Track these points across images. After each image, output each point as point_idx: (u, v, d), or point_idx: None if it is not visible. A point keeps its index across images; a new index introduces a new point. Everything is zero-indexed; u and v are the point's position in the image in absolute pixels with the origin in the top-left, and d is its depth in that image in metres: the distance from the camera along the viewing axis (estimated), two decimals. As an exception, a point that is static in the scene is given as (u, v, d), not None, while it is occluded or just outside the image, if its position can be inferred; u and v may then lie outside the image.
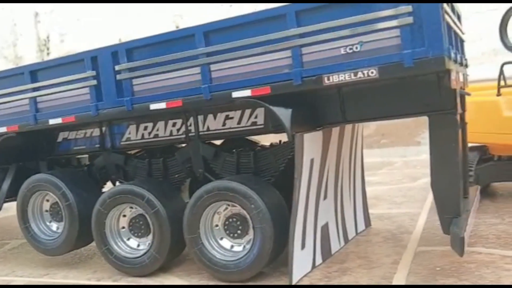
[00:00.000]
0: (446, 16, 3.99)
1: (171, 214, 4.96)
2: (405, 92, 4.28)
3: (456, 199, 4.33)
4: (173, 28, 17.51)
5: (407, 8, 3.79)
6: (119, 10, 17.93)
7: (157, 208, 4.94)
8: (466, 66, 5.42)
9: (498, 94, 6.65)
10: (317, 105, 4.63)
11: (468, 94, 4.90)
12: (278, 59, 4.31)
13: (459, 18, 5.20)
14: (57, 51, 19.10)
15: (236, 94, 4.46)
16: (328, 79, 4.08)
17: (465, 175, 5.20)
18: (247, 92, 4.41)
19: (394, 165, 11.29)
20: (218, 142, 5.56)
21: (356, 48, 4.00)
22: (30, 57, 18.94)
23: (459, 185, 4.34)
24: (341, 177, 5.44)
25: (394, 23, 3.85)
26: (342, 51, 4.06)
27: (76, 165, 6.63)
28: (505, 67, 6.71)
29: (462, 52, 5.20)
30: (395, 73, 3.90)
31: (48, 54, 19.31)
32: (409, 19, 3.79)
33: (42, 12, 19.28)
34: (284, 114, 4.32)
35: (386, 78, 3.97)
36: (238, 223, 4.74)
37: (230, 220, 4.78)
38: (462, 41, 5.21)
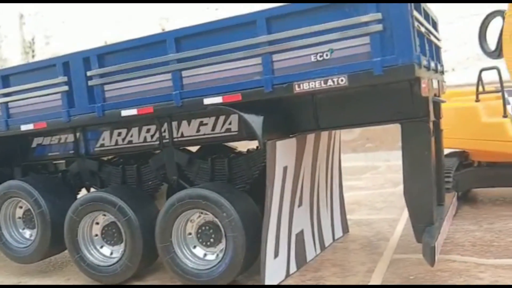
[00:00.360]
0: (417, 24, 3.96)
1: (143, 222, 4.90)
2: (378, 100, 4.25)
3: (429, 207, 4.31)
4: (159, 31, 17.46)
5: (376, 15, 3.76)
6: (105, 12, 17.85)
7: (129, 216, 4.88)
8: (442, 72, 5.39)
9: (477, 100, 6.65)
10: (291, 112, 4.60)
11: (443, 101, 4.87)
12: (249, 66, 4.27)
13: (434, 25, 5.17)
14: (42, 54, 19.00)
15: (207, 101, 4.42)
16: (299, 87, 4.04)
17: (440, 182, 5.18)
18: (218, 99, 4.37)
19: (378, 170, 11.28)
20: (194, 148, 5.52)
21: (326, 55, 3.97)
22: (15, 59, 18.85)
23: (432, 193, 4.32)
24: (318, 183, 5.40)
25: (363, 30, 3.82)
26: (313, 59, 4.03)
27: (53, 170, 6.55)
28: (485, 73, 6.71)
29: (438, 59, 5.17)
30: (365, 81, 3.87)
31: (33, 56, 19.21)
32: (379, 27, 3.77)
33: (27, 14, 19.17)
34: (255, 121, 4.28)
35: (356, 86, 3.94)
36: (211, 231, 4.70)
37: (203, 228, 4.74)
38: (437, 47, 5.18)
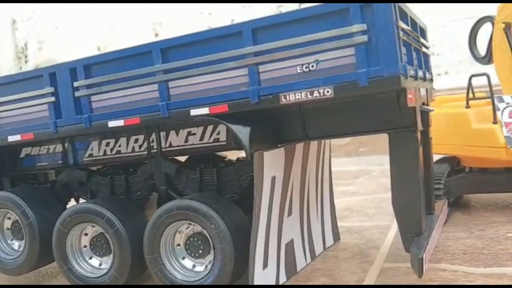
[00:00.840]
0: (403, 34, 3.95)
1: (131, 233, 4.88)
2: (365, 110, 4.24)
3: (417, 217, 4.30)
4: (152, 37, 17.47)
5: (361, 26, 3.75)
6: (98, 18, 17.83)
7: (117, 228, 4.86)
8: (431, 80, 5.39)
9: (467, 106, 6.65)
10: (279, 122, 4.59)
11: (431, 110, 4.87)
12: (236, 77, 4.26)
13: (423, 32, 5.16)
14: (35, 59, 18.99)
15: (194, 112, 4.40)
16: (285, 98, 4.03)
17: (430, 190, 5.19)
18: (205, 110, 4.35)
19: (371, 174, 11.27)
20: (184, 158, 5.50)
21: (312, 66, 3.96)
22: (8, 65, 18.81)
23: (421, 202, 4.31)
24: (307, 192, 5.39)
25: (348, 41, 3.81)
26: (299, 70, 4.01)
27: (43, 180, 6.51)
28: (476, 77, 6.71)
29: (426, 67, 5.17)
30: (350, 92, 3.86)
31: (26, 62, 19.19)
32: (364, 38, 3.76)
33: (20, 20, 19.12)
34: (242, 132, 4.27)
35: (342, 97, 3.93)
36: (200, 242, 4.68)
37: (192, 239, 4.72)
38: (426, 55, 5.17)
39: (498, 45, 6.63)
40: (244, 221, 4.66)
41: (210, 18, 16.59)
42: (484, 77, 6.35)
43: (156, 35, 17.61)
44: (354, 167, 12.30)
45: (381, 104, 4.16)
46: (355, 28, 3.77)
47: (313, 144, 5.37)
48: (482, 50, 7.16)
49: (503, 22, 6.46)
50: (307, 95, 3.94)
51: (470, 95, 6.68)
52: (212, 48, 4.30)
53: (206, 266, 4.67)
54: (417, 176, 4.23)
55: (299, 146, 4.99)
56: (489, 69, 6.96)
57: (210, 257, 4.63)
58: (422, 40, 5.01)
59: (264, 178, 4.33)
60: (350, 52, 3.83)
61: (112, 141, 5.35)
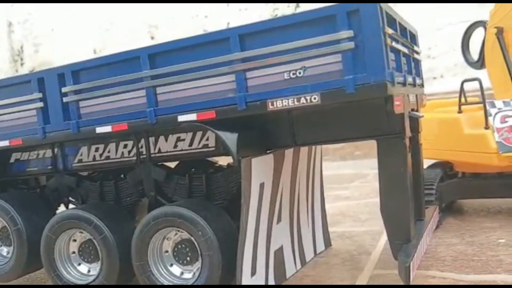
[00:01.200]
0: (391, 40, 3.93)
1: (119, 240, 4.85)
2: (354, 116, 4.22)
3: (406, 224, 4.28)
4: (148, 39, 17.45)
5: (348, 33, 3.73)
6: (94, 20, 17.81)
7: (105, 234, 4.83)
8: (422, 86, 5.36)
9: (459, 111, 6.63)
10: (267, 128, 4.55)
11: (420, 116, 4.85)
12: (223, 83, 4.24)
13: (413, 38, 5.14)
14: (31, 62, 18.96)
15: (182, 118, 4.38)
16: (272, 104, 4.01)
17: (420, 196, 5.16)
18: (192, 116, 4.33)
19: (366, 178, 11.24)
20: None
21: (299, 73, 3.93)
22: (3, 67, 18.79)
23: (409, 210, 4.29)
24: (298, 198, 5.36)
25: (335, 48, 3.79)
26: (286, 76, 3.99)
27: (34, 186, 6.47)
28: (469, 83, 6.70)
29: (417, 73, 5.15)
30: (337, 99, 3.84)
31: (22, 64, 19.16)
32: (350, 44, 3.74)
33: (16, 22, 19.09)
34: (230, 138, 4.24)
35: (329, 103, 3.91)
36: (188, 249, 4.65)
37: (180, 246, 4.69)
38: (416, 61, 5.15)
39: (490, 50, 6.61)
40: (233, 228, 4.64)
41: (206, 21, 16.58)
42: (477, 82, 6.34)
43: (152, 38, 17.60)
44: (349, 171, 12.27)
45: (369, 110, 4.13)
46: (342, 34, 3.75)
47: (304, 150, 5.34)
48: (475, 54, 7.15)
49: (495, 27, 6.44)
50: (294, 102, 3.92)
51: (462, 100, 6.66)
52: (200, 54, 4.28)
53: (194, 273, 4.64)
54: (406, 183, 4.21)
55: (289, 152, 4.96)
56: (483, 73, 6.95)
57: (198, 264, 4.60)
58: (412, 45, 4.98)
59: (252, 184, 4.29)
60: (337, 59, 3.81)
61: (101, 146, 5.31)
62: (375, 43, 3.69)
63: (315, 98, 3.85)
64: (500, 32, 6.39)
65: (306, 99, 3.87)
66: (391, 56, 4.08)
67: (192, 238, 4.53)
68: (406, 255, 4.06)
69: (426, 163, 7.20)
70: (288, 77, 3.98)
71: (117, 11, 17.49)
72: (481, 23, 6.96)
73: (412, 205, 4.40)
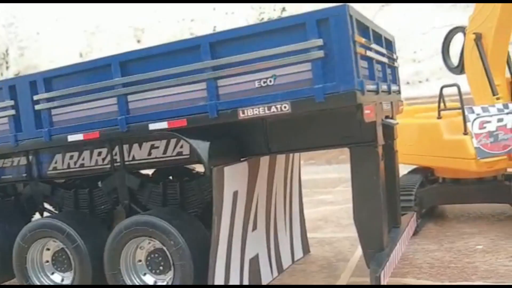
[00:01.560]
0: (362, 49, 3.90)
1: (92, 249, 4.80)
2: (327, 124, 4.21)
3: (378, 233, 4.27)
4: (134, 43, 17.41)
5: (317, 41, 3.71)
6: (80, 24, 17.74)
7: (77, 243, 4.79)
8: (398, 92, 5.35)
9: (439, 117, 6.63)
10: (241, 136, 4.53)
11: (394, 124, 4.83)
12: (194, 91, 4.20)
13: (389, 44, 5.12)
14: (16, 65, 18.86)
15: (153, 126, 4.34)
16: (243, 113, 3.97)
17: (396, 204, 5.15)
18: (163, 124, 4.29)
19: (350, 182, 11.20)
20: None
21: (270, 81, 3.90)
22: (-12, 71, 18.69)
23: (382, 218, 4.28)
24: (275, 205, 5.33)
25: (305, 57, 3.76)
26: (257, 84, 3.96)
27: (10, 193, 6.39)
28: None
29: (393, 80, 5.13)
30: (307, 108, 3.81)
31: (7, 68, 19.05)
32: (320, 53, 3.71)
33: (1, 25, 18.98)
34: (201, 147, 4.22)
35: (299, 112, 3.89)
36: (160, 259, 4.61)
37: (152, 255, 4.65)
38: (392, 67, 5.14)
39: (469, 56, 6.61)
40: (206, 237, 4.58)
41: (192, 25, 16.56)
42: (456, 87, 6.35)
43: (139, 41, 17.58)
44: (334, 175, 12.23)
45: (341, 118, 4.12)
46: (312, 43, 3.73)
47: (281, 157, 5.31)
48: (456, 59, 7.16)
49: (474, 33, 6.44)
50: (265, 111, 3.89)
51: (442, 105, 6.67)
52: (172, 62, 4.24)
53: (167, 283, 4.60)
54: (378, 192, 4.21)
55: (265, 160, 4.93)
56: (464, 78, 6.96)
57: (170, 274, 4.56)
58: (388, 52, 4.97)
59: (224, 193, 4.27)
60: (307, 68, 3.78)
61: (75, 154, 5.26)
62: (344, 52, 3.66)
63: (285, 107, 3.82)
64: (478, 38, 6.39)
65: (277, 108, 3.84)
66: (363, 64, 4.06)
67: (164, 248, 4.49)
68: (378, 264, 4.04)
69: (407, 168, 7.23)
70: (259, 86, 3.95)
71: (103, 14, 17.43)
72: (460, 29, 6.96)
73: (385, 213, 4.39)
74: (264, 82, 3.94)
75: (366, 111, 3.90)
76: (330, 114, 4.11)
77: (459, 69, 6.97)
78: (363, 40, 4.00)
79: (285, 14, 15.29)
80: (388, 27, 5.13)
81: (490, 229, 6.29)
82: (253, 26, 4.12)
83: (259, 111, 3.93)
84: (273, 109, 3.87)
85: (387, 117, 4.74)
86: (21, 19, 18.70)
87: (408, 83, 12.87)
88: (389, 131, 4.77)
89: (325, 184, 10.96)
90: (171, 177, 5.51)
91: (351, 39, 3.69)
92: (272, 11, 15.94)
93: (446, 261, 5.29)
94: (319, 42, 3.71)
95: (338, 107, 3.86)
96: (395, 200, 5.14)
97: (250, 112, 3.96)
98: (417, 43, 13.35)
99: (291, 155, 5.60)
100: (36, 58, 18.07)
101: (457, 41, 7.15)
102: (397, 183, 5.30)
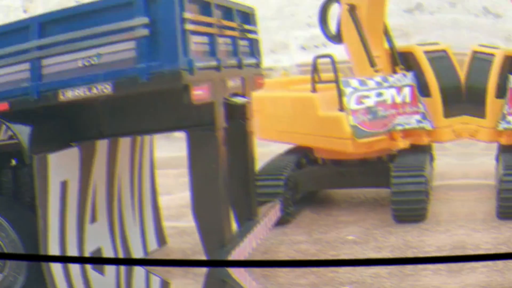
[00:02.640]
0: (193, 26, 4.38)
1: None
2: (161, 106, 4.69)
3: (218, 228, 4.73)
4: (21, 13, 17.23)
5: (143, 19, 4.20)
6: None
7: None
8: (257, 65, 5.84)
9: (313, 90, 7.07)
10: (72, 119, 4.92)
11: (244, 101, 5.22)
12: (17, 73, 4.58)
13: (247, 17, 5.61)
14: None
15: (-24, 110, 4.67)
16: (63, 95, 4.39)
17: (250, 194, 5.60)
18: (-14, 108, 4.64)
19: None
20: None
21: (94, 61, 4.34)
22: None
23: (223, 211, 4.74)
24: (119, 195, 5.72)
25: (129, 35, 4.25)
26: (80, 64, 4.40)
27: None
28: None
29: (252, 52, 5.65)
30: (131, 88, 4.30)
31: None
32: (145, 31, 4.19)
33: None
34: (23, 132, 4.59)
35: (122, 94, 4.35)
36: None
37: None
38: (251, 40, 5.61)
39: (345, 26, 7.15)
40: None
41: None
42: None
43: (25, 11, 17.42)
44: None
45: (176, 99, 4.50)
46: (137, 21, 4.21)
47: (126, 141, 5.69)
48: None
49: (347, 4, 6.99)
50: (85, 92, 4.32)
51: (316, 78, 7.06)
52: (2, 43, 4.60)
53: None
54: (217, 181, 4.66)
55: (102, 146, 5.31)
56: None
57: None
58: (242, 25, 5.43)
59: (50, 183, 4.63)
60: (131, 46, 4.25)
61: None
62: (169, 30, 4.16)
63: (107, 88, 4.25)
64: (352, 9, 6.97)
65: (98, 89, 4.27)
66: (200, 40, 4.53)
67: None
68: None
69: (284, 147, 7.71)
70: (83, 65, 4.38)
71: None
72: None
73: (227, 205, 4.84)
74: (88, 62, 4.36)
75: (196, 92, 4.33)
76: (163, 95, 4.56)
77: (338, 38, 7.50)
78: (199, 16, 4.47)
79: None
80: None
81: (368, 217, 6.86)
82: (84, 6, 4.53)
83: (79, 93, 4.34)
84: (94, 90, 4.30)
85: (235, 94, 5.19)
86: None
87: (303, 48, 13.45)
88: (240, 110, 5.24)
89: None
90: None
91: (179, 16, 4.17)
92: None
93: (310, 254, 5.80)
94: (145, 20, 4.19)
95: (162, 88, 4.34)
96: (248, 190, 5.60)
97: (70, 94, 4.38)
98: (312, 7, 13.98)
99: (139, 139, 5.93)
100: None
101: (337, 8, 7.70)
102: (252, 170, 5.74)
